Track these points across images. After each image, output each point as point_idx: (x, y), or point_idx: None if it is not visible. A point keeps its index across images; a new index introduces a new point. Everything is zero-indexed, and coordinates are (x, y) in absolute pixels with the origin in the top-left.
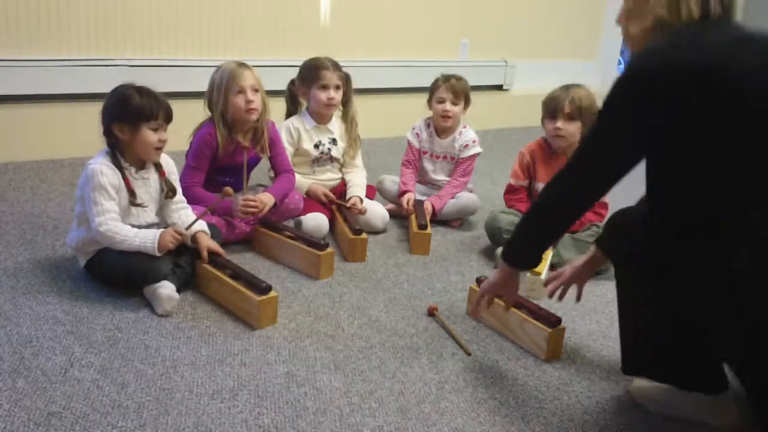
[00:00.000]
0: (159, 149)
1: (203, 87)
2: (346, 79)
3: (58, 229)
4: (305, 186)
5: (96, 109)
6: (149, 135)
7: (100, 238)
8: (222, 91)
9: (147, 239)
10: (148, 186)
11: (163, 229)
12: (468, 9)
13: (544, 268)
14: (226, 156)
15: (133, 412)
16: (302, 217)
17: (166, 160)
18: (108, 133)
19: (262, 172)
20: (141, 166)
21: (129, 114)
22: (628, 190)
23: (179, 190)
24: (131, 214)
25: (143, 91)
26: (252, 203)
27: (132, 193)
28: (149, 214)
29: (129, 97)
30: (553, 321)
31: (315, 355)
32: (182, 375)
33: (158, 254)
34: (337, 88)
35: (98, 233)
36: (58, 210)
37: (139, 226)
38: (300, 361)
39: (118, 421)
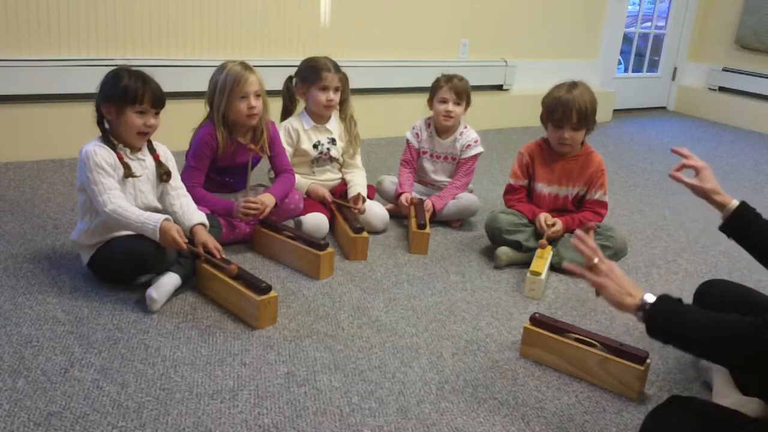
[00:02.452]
0: (142, 134)
1: (203, 87)
2: (345, 80)
3: (58, 229)
4: (305, 186)
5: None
6: (133, 118)
7: (106, 218)
8: (225, 93)
9: (148, 225)
10: (143, 168)
11: (168, 218)
12: (468, 9)
13: (544, 268)
14: (227, 156)
15: (133, 412)
16: (302, 217)
17: (162, 148)
18: (99, 112)
19: (261, 172)
20: (136, 149)
21: (115, 95)
22: (627, 194)
23: (175, 175)
24: (129, 193)
25: (133, 74)
26: (253, 205)
27: (126, 166)
28: (147, 196)
29: (118, 78)
30: (642, 357)
31: (315, 355)
32: (182, 375)
33: (157, 239)
34: (337, 89)
35: (104, 214)
36: (58, 210)
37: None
38: (300, 361)
39: (118, 421)
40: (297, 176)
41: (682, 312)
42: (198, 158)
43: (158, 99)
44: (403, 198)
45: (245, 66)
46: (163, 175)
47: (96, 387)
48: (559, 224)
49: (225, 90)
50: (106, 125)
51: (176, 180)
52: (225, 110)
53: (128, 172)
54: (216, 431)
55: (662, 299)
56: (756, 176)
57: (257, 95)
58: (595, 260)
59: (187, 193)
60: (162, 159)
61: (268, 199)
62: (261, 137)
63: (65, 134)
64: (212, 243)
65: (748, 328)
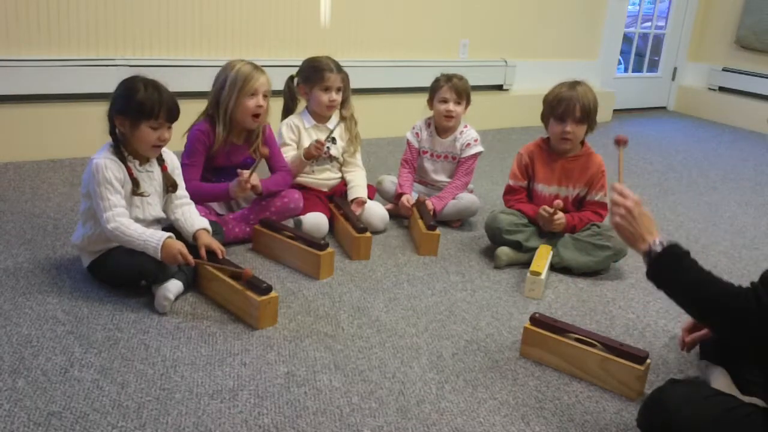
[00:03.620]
0: (157, 147)
1: (203, 87)
2: (346, 79)
3: (58, 229)
4: (296, 157)
5: (96, 109)
6: (148, 133)
7: (109, 235)
8: (235, 89)
9: (150, 243)
10: (152, 179)
11: (170, 236)
12: (468, 9)
13: (544, 268)
14: (222, 155)
15: (133, 412)
16: (302, 217)
17: (170, 156)
18: (111, 123)
19: (263, 174)
20: (145, 160)
21: (130, 109)
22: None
23: (181, 185)
24: (136, 206)
25: (150, 86)
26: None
27: (135, 183)
28: (154, 208)
29: (134, 91)
30: (642, 357)
31: (315, 355)
32: (182, 375)
33: (159, 258)
34: (339, 90)
35: (106, 230)
36: (58, 210)
37: (145, 220)
38: (300, 361)
39: (118, 421)
40: (289, 155)
41: (685, 266)
42: (191, 155)
43: (173, 112)
44: (404, 199)
45: (256, 66)
46: (169, 186)
47: (96, 387)
48: (562, 214)
49: (235, 86)
50: (118, 134)
51: (181, 189)
52: (232, 107)
53: (137, 191)
54: (216, 431)
55: (669, 249)
56: (756, 176)
57: (265, 96)
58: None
59: (191, 202)
60: (169, 170)
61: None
62: (255, 140)
63: (65, 134)
64: (216, 245)
65: (748, 292)
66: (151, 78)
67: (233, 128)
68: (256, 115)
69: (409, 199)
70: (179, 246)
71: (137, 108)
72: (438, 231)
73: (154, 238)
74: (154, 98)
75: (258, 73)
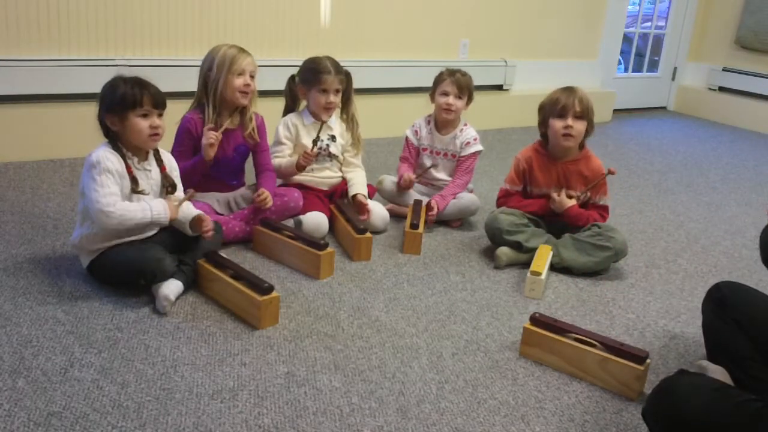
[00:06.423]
0: (154, 136)
1: None
2: (347, 78)
3: (58, 229)
4: (290, 163)
5: (96, 109)
6: (138, 122)
7: (108, 221)
8: (224, 69)
9: (160, 214)
10: (149, 178)
11: (162, 201)
12: (468, 9)
13: (544, 268)
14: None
15: (133, 412)
16: (302, 217)
17: (168, 157)
18: (103, 126)
19: (248, 172)
20: (143, 157)
21: (115, 104)
22: (626, 194)
23: (180, 186)
24: (133, 202)
25: (128, 80)
26: (213, 133)
27: (134, 180)
28: None
29: (115, 87)
30: (642, 356)
31: (315, 355)
32: (182, 375)
33: (167, 223)
34: (337, 92)
35: (106, 215)
36: (58, 210)
37: None
38: (300, 361)
39: (118, 421)
40: (284, 157)
41: None
42: (179, 144)
43: (158, 100)
44: (405, 174)
45: (241, 48)
46: (168, 187)
47: (96, 387)
48: (574, 201)
49: (224, 66)
50: (113, 134)
51: (179, 190)
52: (222, 86)
53: (135, 188)
54: (216, 431)
55: None
56: (756, 176)
57: (252, 75)
58: None
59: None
60: (168, 170)
61: (268, 195)
62: (250, 123)
63: (65, 134)
64: (206, 219)
65: None
66: (131, 75)
67: (223, 109)
68: (244, 92)
69: (410, 175)
70: (171, 205)
71: (120, 101)
72: (420, 230)
73: (160, 207)
74: (135, 88)
75: (244, 54)
